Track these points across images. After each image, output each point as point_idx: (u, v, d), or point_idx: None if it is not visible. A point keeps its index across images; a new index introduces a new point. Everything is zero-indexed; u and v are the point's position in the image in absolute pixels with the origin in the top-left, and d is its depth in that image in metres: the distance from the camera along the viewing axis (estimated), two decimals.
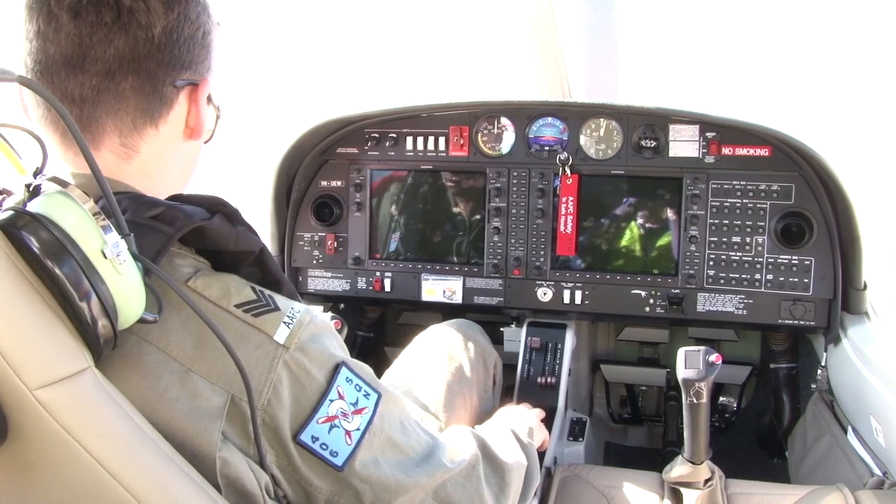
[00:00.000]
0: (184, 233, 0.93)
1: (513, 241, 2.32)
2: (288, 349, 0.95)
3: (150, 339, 0.91)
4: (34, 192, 0.85)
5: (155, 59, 0.99)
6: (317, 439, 0.96)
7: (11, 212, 0.79)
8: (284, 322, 0.96)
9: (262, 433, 0.93)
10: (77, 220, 0.80)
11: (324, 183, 2.43)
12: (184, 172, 1.13)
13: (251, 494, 0.94)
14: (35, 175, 0.90)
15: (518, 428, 1.62)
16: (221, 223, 0.98)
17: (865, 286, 2.07)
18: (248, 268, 1.03)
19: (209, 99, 1.09)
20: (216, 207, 1.00)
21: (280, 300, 0.99)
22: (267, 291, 0.99)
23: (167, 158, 1.07)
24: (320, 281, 2.47)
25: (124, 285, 0.82)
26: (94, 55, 0.95)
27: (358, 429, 1.00)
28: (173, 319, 0.91)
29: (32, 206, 0.80)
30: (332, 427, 0.97)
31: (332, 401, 0.97)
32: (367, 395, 1.02)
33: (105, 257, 0.80)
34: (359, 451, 0.99)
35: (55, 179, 0.87)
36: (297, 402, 0.95)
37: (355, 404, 1.00)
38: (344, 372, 1.00)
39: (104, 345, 0.82)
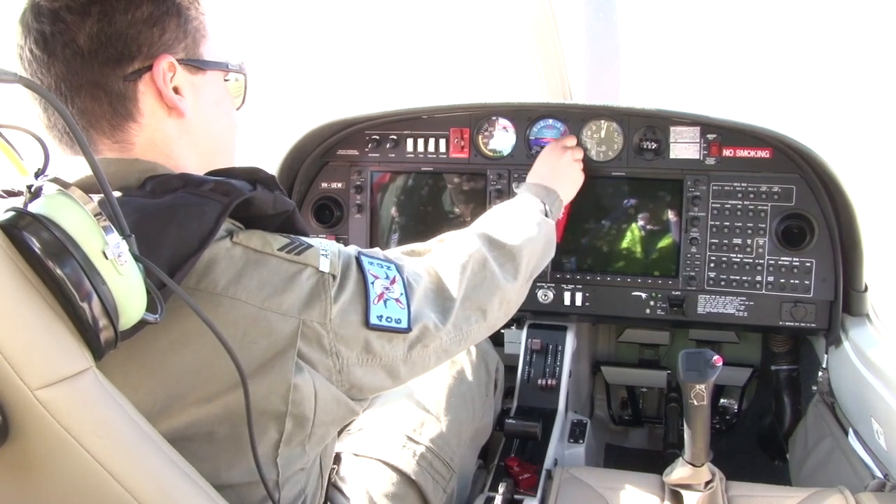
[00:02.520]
0: (237, 203, 1.00)
1: None
2: (333, 275, 1.07)
3: (220, 291, 0.98)
4: (35, 192, 0.85)
5: (92, 67, 1.01)
6: (381, 317, 1.10)
7: (13, 212, 0.79)
8: (322, 254, 1.07)
9: (336, 343, 1.05)
10: (78, 220, 0.80)
11: (324, 185, 2.43)
12: (199, 149, 1.15)
13: (305, 420, 1.04)
14: (36, 176, 0.90)
15: (536, 203, 1.78)
16: (263, 192, 1.05)
17: (866, 288, 2.07)
18: (276, 228, 1.10)
19: (197, 68, 1.10)
20: (254, 177, 1.06)
21: (308, 239, 1.10)
22: (293, 236, 1.09)
23: (166, 143, 1.09)
24: None
25: (125, 286, 0.82)
26: (47, 86, 1.01)
27: (401, 293, 1.15)
28: (231, 271, 0.99)
29: (33, 207, 0.80)
30: (385, 301, 1.12)
31: (372, 283, 1.11)
32: (389, 268, 1.17)
33: (106, 258, 0.80)
34: (411, 308, 1.16)
35: (56, 180, 0.87)
36: (353, 302, 1.08)
37: (388, 277, 1.15)
38: (364, 259, 1.14)
39: (105, 345, 0.82)
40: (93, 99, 1.02)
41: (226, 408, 0.99)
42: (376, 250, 1.21)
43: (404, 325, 1.13)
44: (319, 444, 1.13)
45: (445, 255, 1.34)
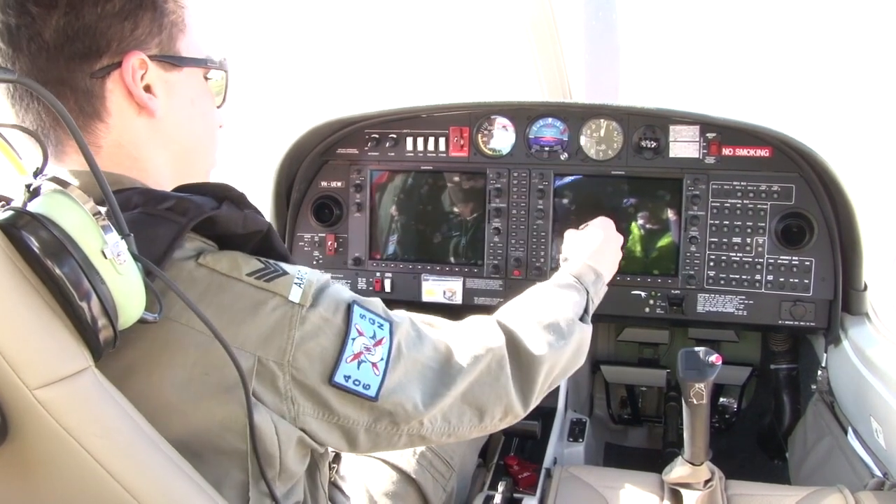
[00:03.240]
0: (196, 222, 0.95)
1: (513, 241, 2.32)
2: (304, 306, 0.99)
3: (172, 317, 0.92)
4: (34, 192, 0.85)
5: (58, 62, 0.96)
6: (349, 377, 1.01)
7: (11, 211, 0.79)
8: (296, 283, 0.99)
9: (293, 389, 0.97)
10: (77, 219, 0.80)
11: (324, 183, 2.43)
12: (171, 149, 1.09)
13: (271, 457, 0.98)
14: (35, 175, 0.90)
15: (578, 298, 1.52)
16: (230, 210, 0.99)
17: (866, 287, 2.07)
18: (253, 249, 1.04)
19: (172, 65, 1.04)
20: (223, 194, 1.01)
21: (286, 266, 1.02)
22: (272, 260, 1.02)
23: (135, 144, 1.04)
24: None
25: (124, 285, 0.82)
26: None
27: (382, 359, 1.05)
28: (191, 294, 0.92)
29: (32, 206, 0.80)
30: (360, 363, 1.02)
31: (353, 339, 1.02)
32: (381, 327, 1.07)
33: (105, 257, 0.80)
34: (387, 378, 1.04)
35: (55, 179, 0.87)
36: (323, 350, 1.00)
37: (374, 337, 1.05)
38: (357, 310, 1.05)
39: (104, 344, 0.82)
40: (58, 96, 0.92)
41: (180, 446, 0.91)
42: (377, 303, 1.12)
43: (372, 393, 1.02)
44: (291, 479, 1.06)
45: (463, 338, 1.21)
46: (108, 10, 0.97)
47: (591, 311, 1.55)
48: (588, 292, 1.55)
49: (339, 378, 1.00)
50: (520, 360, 1.26)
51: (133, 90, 1.00)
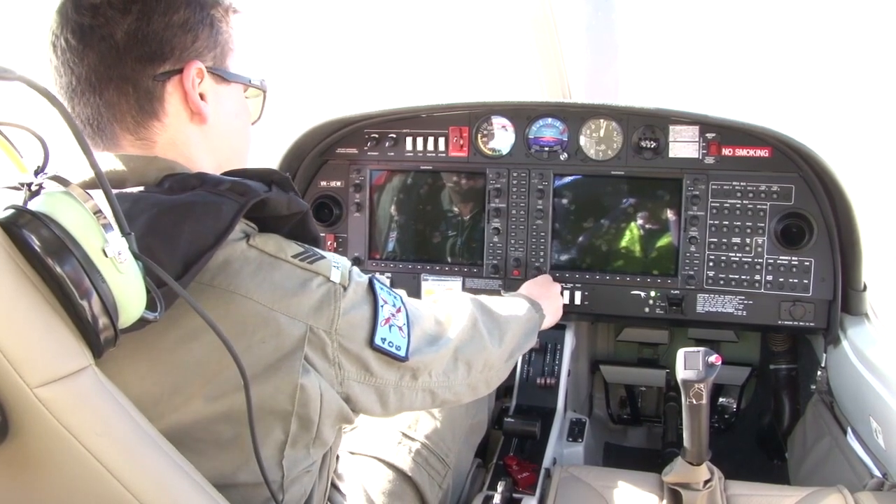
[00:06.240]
0: (254, 202, 1.03)
1: (512, 241, 2.32)
2: (343, 285, 1.11)
3: (233, 289, 1.01)
4: (35, 190, 0.85)
5: (125, 63, 1.05)
6: (385, 339, 1.15)
7: (13, 210, 0.79)
8: (334, 266, 1.11)
9: (339, 355, 1.09)
10: (78, 218, 0.80)
11: (323, 183, 2.43)
12: (215, 155, 1.18)
13: (310, 422, 1.08)
14: (36, 174, 0.90)
15: (526, 295, 1.87)
16: (278, 193, 1.08)
17: (865, 287, 2.07)
18: (288, 230, 1.13)
19: (222, 79, 1.14)
20: (269, 178, 1.09)
21: (321, 252, 1.14)
22: (307, 245, 1.12)
23: (186, 145, 1.13)
24: None
25: (125, 284, 0.83)
26: (77, 76, 1.06)
27: (405, 324, 1.21)
28: (246, 271, 1.02)
29: (33, 205, 0.81)
30: (391, 327, 1.17)
31: (382, 306, 1.16)
32: (396, 298, 1.23)
33: (106, 256, 0.81)
34: (410, 340, 1.21)
35: (56, 178, 0.87)
36: (362, 318, 1.13)
37: (394, 305, 1.20)
38: (377, 284, 1.19)
39: (105, 343, 0.82)
40: (120, 93, 1.06)
41: (231, 408, 1.00)
42: (384, 280, 1.26)
43: (403, 353, 1.17)
44: (323, 448, 1.16)
45: (441, 309, 1.42)
46: (175, 21, 1.08)
47: (540, 311, 1.81)
48: (531, 301, 1.80)
49: (378, 341, 1.13)
50: (488, 320, 1.50)
51: (191, 95, 1.10)
